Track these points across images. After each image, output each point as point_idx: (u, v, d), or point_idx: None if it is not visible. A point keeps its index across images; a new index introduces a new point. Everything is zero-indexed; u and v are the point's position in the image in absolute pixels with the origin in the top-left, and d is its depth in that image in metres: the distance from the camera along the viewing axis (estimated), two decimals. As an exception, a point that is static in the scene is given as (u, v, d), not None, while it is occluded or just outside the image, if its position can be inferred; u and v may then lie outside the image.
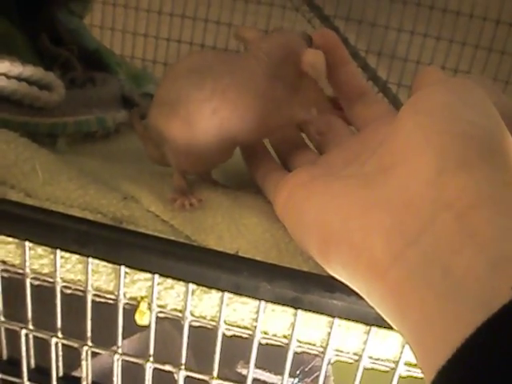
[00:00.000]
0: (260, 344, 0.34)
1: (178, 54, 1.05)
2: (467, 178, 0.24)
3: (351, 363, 0.33)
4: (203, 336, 0.35)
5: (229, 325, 0.33)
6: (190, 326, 0.34)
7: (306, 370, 0.46)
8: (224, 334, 0.33)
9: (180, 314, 0.34)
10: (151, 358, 0.35)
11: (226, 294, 0.32)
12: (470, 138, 0.25)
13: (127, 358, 0.35)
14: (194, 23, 1.02)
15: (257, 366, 0.48)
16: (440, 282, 0.22)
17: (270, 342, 0.33)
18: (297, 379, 0.46)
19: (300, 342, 0.33)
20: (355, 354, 0.32)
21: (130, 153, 0.53)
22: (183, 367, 0.34)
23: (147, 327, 0.34)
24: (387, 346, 0.32)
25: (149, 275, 0.33)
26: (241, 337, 0.33)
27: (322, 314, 0.31)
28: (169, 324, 0.39)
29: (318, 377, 0.35)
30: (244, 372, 0.48)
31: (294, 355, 0.34)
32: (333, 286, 0.30)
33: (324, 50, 0.37)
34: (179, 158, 0.37)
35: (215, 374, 0.34)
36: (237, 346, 0.41)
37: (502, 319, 0.19)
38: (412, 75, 0.87)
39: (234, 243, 0.34)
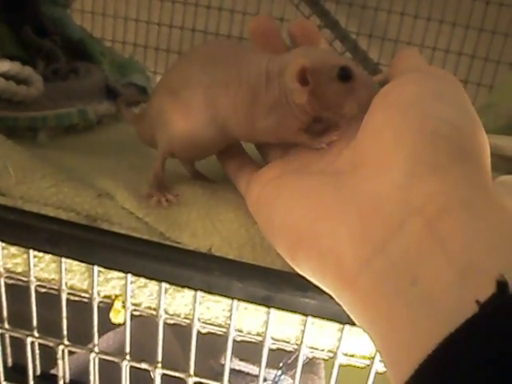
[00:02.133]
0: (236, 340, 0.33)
1: (169, 39, 1.04)
2: (437, 182, 0.23)
3: (327, 360, 0.33)
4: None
5: (203, 322, 0.33)
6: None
7: (289, 362, 0.46)
8: (199, 332, 0.33)
9: (154, 312, 0.33)
10: (127, 357, 0.35)
11: (199, 293, 0.32)
12: (441, 138, 0.24)
13: (104, 357, 0.35)
14: (184, 8, 1.01)
15: (240, 359, 0.48)
16: (407, 290, 0.21)
17: (244, 339, 0.33)
18: (280, 371, 0.46)
19: (274, 339, 0.33)
20: (330, 351, 0.32)
21: (112, 145, 0.53)
22: (159, 365, 0.34)
23: (122, 325, 0.34)
24: (362, 343, 0.32)
25: (122, 274, 0.33)
26: (216, 334, 0.33)
27: (294, 312, 0.30)
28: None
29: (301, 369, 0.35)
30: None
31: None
32: (305, 284, 0.29)
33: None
34: (173, 141, 0.36)
35: (191, 371, 0.34)
36: (222, 338, 0.41)
37: (463, 335, 0.19)
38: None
39: (207, 240, 0.33)
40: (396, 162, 0.24)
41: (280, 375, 0.46)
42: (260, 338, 0.33)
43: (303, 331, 0.32)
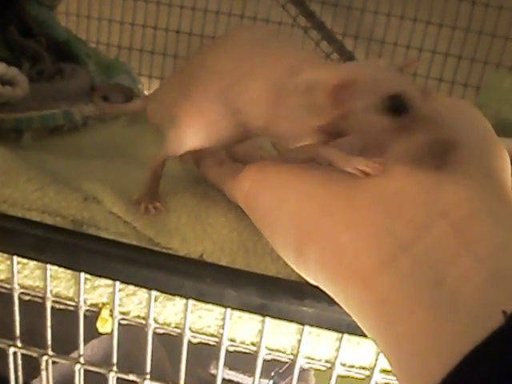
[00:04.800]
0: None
1: (154, 41, 1.03)
2: (464, 189, 0.23)
3: (324, 371, 0.32)
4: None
5: (194, 332, 0.32)
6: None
7: (281, 371, 0.45)
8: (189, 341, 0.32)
9: (143, 321, 0.32)
10: (114, 368, 0.33)
11: (190, 301, 0.31)
12: (468, 148, 0.25)
13: (89, 368, 0.34)
14: (169, 9, 1.00)
15: (230, 368, 0.47)
16: (432, 291, 0.21)
17: (238, 349, 0.32)
18: (271, 381, 0.45)
19: (269, 349, 0.32)
20: (328, 361, 0.31)
21: (98, 147, 0.52)
22: (148, 376, 0.33)
23: (109, 334, 0.32)
24: (361, 353, 0.31)
25: (110, 281, 0.31)
26: (208, 344, 0.32)
27: (291, 321, 0.29)
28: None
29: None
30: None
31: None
32: (302, 291, 0.28)
33: None
34: (184, 144, 0.32)
35: (182, 382, 0.33)
36: (210, 347, 0.40)
37: (488, 349, 0.18)
38: (390, 57, 0.86)
39: (198, 245, 0.32)
40: (421, 165, 0.24)
41: (272, 385, 0.45)
42: (254, 348, 0.31)
43: (300, 341, 0.30)
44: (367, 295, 0.23)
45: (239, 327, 0.31)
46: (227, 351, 0.32)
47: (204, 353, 0.44)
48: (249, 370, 0.39)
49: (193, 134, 0.32)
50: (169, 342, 0.35)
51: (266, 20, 0.91)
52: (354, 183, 0.25)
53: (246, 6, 0.93)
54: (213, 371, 0.47)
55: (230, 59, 0.30)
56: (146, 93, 0.72)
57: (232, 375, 0.46)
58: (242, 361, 0.41)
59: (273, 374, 0.46)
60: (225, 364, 0.32)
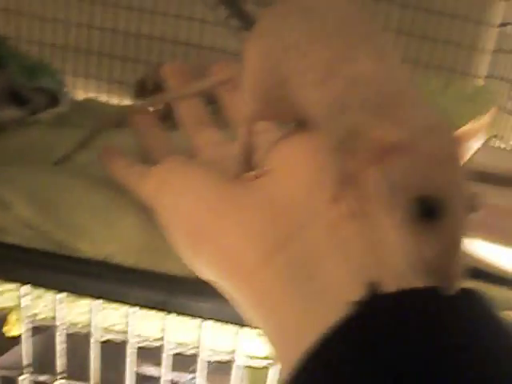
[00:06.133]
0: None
1: (89, 40, 1.02)
2: (339, 194, 0.24)
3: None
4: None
5: (103, 330, 0.33)
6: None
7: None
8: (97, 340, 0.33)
9: (51, 323, 0.33)
10: (25, 370, 0.34)
11: (96, 301, 0.31)
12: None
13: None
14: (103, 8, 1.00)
15: (152, 364, 0.48)
16: (304, 284, 0.23)
17: (145, 344, 0.33)
18: (191, 375, 0.46)
19: (176, 343, 0.33)
20: (230, 352, 0.32)
21: (16, 152, 0.51)
22: (59, 377, 0.34)
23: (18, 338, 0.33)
24: (262, 344, 0.32)
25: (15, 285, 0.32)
26: (114, 342, 0.33)
27: (191, 316, 0.30)
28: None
29: (212, 372, 0.35)
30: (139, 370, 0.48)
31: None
32: (201, 288, 0.29)
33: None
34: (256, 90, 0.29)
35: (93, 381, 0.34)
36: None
37: (344, 327, 0.20)
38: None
39: (105, 248, 0.33)
40: (307, 171, 0.26)
41: (191, 378, 0.46)
42: (160, 343, 0.32)
43: (200, 335, 0.31)
44: (249, 291, 0.25)
45: (145, 324, 0.32)
46: (144, 348, 0.33)
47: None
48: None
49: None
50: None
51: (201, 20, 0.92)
52: (241, 187, 0.27)
53: (182, 7, 0.93)
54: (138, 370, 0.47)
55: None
56: (71, 95, 0.71)
57: (152, 371, 0.47)
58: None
59: (191, 368, 0.47)
60: (144, 360, 0.33)
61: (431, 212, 0.19)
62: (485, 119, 0.23)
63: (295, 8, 0.27)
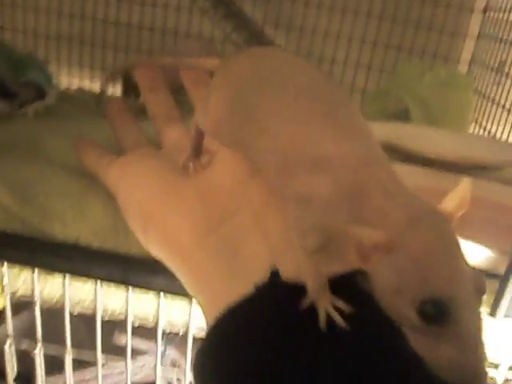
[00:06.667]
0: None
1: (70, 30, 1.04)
2: (264, 185, 0.28)
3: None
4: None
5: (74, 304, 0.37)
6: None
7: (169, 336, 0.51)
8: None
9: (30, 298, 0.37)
10: (8, 340, 0.38)
11: (67, 277, 0.36)
12: None
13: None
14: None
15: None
16: (230, 263, 0.27)
17: (109, 318, 0.37)
18: (163, 346, 0.51)
19: (138, 317, 0.37)
20: (184, 325, 0.37)
21: (3, 144, 0.55)
22: (40, 344, 0.38)
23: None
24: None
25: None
26: (85, 315, 0.37)
27: (149, 289, 0.35)
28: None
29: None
30: (120, 342, 0.52)
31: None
32: (157, 266, 0.34)
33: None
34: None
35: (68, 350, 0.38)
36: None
37: (238, 310, 0.24)
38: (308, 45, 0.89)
39: (76, 231, 0.37)
40: (240, 163, 0.30)
41: (164, 349, 0.51)
42: (122, 317, 0.37)
43: (158, 307, 0.36)
44: (186, 269, 0.29)
45: (109, 299, 0.37)
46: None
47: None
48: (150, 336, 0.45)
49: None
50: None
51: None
52: (183, 178, 0.32)
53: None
54: (116, 341, 0.52)
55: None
56: (59, 87, 0.73)
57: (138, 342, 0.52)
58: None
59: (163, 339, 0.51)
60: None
61: (439, 315, 0.18)
62: (464, 190, 0.21)
63: (255, 67, 0.27)
